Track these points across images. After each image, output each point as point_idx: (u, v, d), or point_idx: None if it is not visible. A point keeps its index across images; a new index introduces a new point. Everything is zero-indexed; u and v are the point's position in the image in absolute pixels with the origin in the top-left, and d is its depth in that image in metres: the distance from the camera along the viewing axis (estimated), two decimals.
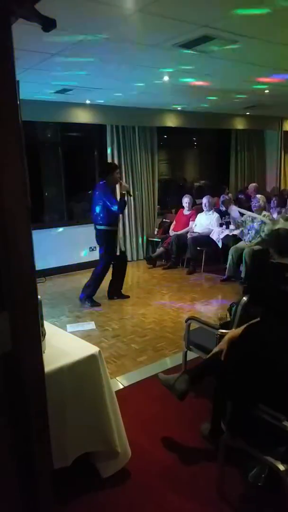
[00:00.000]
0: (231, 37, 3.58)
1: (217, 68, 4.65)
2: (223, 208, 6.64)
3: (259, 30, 3.44)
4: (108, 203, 5.01)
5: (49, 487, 1.23)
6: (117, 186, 5.81)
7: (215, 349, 2.51)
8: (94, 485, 2.29)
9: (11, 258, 1.05)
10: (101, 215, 5.11)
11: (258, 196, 6.32)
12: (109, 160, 7.30)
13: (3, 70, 1.00)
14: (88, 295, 5.38)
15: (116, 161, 7.31)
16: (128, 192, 5.27)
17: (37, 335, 1.11)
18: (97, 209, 5.14)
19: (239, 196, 7.97)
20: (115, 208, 5.02)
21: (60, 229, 7.08)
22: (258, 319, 2.36)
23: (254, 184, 8.34)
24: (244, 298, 2.79)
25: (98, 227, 5.20)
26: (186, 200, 7.41)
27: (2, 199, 1.04)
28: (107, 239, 5.21)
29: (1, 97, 1.00)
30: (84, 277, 6.83)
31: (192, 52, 3.88)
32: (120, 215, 5.44)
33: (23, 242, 1.06)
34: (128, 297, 5.61)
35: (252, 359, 1.87)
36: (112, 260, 5.40)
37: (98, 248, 5.56)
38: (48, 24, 1.00)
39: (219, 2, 2.83)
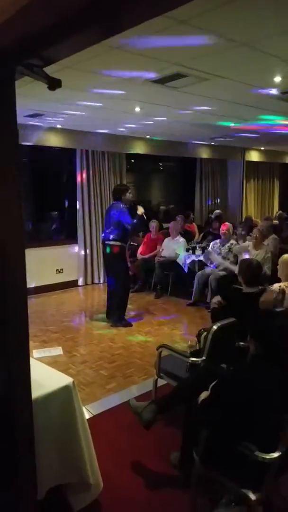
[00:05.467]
0: (202, 76, 3.77)
1: (187, 103, 4.86)
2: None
3: (229, 70, 3.66)
4: (123, 221, 5.19)
5: None
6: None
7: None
8: None
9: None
10: (114, 231, 5.27)
11: (228, 224, 6.53)
12: (78, 182, 7.36)
13: (8, 117, 1.05)
14: (118, 319, 5.45)
15: (85, 184, 7.39)
16: (143, 214, 5.44)
17: (28, 382, 1.12)
18: (110, 226, 5.30)
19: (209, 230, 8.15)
20: (132, 227, 5.23)
21: (27, 251, 6.97)
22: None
23: (218, 211, 8.61)
24: (214, 327, 2.89)
25: (108, 242, 5.34)
26: (152, 225, 7.54)
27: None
28: (119, 256, 5.33)
29: (4, 142, 1.05)
30: (49, 299, 6.78)
31: (164, 87, 4.05)
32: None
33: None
34: (130, 325, 5.50)
35: (240, 399, 1.94)
36: (128, 277, 5.62)
37: (107, 268, 5.76)
38: (54, 84, 1.06)
39: (192, 44, 3.00)
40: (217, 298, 3.13)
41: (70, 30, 0.95)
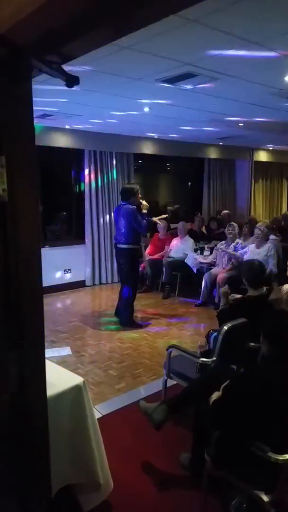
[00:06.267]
0: (212, 75, 3.76)
1: (195, 102, 4.84)
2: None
3: (237, 70, 3.64)
4: (135, 225, 5.18)
5: None
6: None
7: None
8: None
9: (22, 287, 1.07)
10: (126, 234, 5.26)
11: (234, 224, 6.52)
12: (86, 182, 7.38)
13: (25, 113, 1.05)
14: (127, 321, 5.43)
15: (93, 184, 7.41)
16: (148, 211, 5.45)
17: (43, 374, 1.12)
18: (121, 228, 5.28)
19: (211, 223, 8.21)
20: (143, 230, 5.26)
21: None
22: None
23: (226, 211, 8.58)
24: (225, 328, 2.87)
25: (121, 245, 5.32)
26: (161, 226, 7.51)
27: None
28: (131, 258, 5.32)
29: (21, 138, 1.05)
30: (58, 300, 6.80)
31: (173, 87, 4.05)
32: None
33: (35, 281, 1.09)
34: (140, 326, 5.49)
35: (253, 399, 1.92)
36: (138, 279, 5.59)
37: (118, 269, 5.74)
38: (72, 81, 1.06)
39: (203, 44, 2.99)
40: (234, 296, 3.14)
41: (88, 27, 0.95)
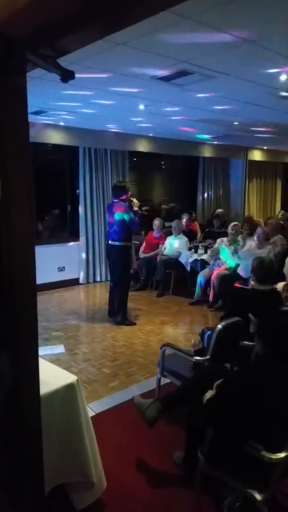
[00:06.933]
0: (208, 73, 3.75)
1: (191, 100, 4.83)
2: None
3: (233, 68, 3.63)
4: (129, 223, 5.17)
5: None
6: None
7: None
8: None
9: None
10: (118, 231, 5.23)
11: (238, 223, 6.55)
12: (80, 179, 7.35)
13: (19, 108, 1.03)
14: (121, 319, 5.41)
15: (87, 181, 7.38)
16: (140, 208, 5.42)
17: (36, 372, 1.11)
18: (114, 226, 5.25)
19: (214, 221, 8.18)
20: (136, 227, 5.28)
21: None
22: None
23: (221, 210, 8.58)
24: (219, 326, 2.87)
25: (113, 243, 5.30)
26: (156, 223, 7.52)
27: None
28: (122, 255, 5.30)
29: (16, 134, 1.03)
30: (51, 297, 6.76)
31: (169, 85, 4.03)
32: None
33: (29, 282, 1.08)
34: (134, 324, 5.49)
35: (247, 398, 1.92)
36: (129, 276, 5.59)
37: (110, 267, 5.66)
38: (67, 76, 1.04)
39: (198, 41, 2.98)
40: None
41: (83, 21, 0.93)
